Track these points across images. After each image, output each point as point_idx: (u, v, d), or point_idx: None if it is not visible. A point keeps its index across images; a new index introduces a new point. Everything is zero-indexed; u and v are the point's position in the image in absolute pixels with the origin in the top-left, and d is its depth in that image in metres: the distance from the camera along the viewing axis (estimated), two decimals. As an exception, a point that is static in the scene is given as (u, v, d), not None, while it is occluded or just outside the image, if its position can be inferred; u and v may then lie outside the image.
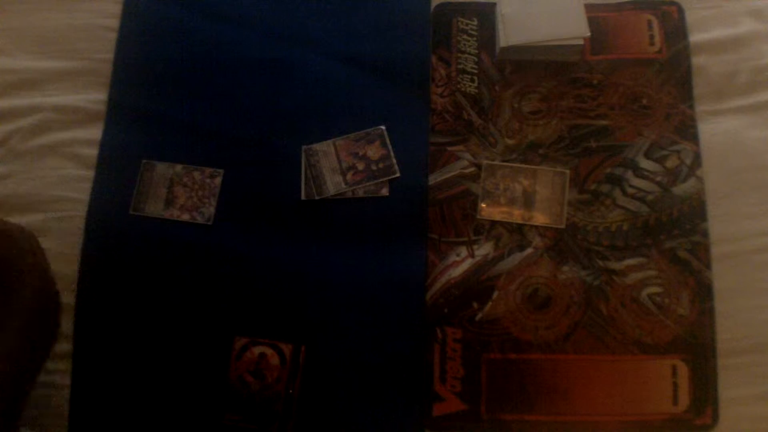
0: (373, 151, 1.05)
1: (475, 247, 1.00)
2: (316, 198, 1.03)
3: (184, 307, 0.99)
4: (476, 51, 1.11)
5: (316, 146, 1.06)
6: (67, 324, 0.98)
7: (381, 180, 1.03)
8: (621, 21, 1.10)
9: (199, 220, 1.03)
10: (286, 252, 1.01)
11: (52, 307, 0.85)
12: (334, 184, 1.04)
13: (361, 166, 1.04)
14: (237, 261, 1.01)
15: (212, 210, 1.03)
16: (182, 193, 1.04)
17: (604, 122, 1.05)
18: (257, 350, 0.96)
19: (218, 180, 1.05)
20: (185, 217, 1.03)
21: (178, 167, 1.06)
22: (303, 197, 1.03)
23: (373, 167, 1.04)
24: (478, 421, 0.94)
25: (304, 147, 1.06)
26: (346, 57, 1.11)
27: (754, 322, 0.95)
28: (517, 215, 1.01)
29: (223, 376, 0.96)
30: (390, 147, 1.05)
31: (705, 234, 0.99)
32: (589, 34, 1.06)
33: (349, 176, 1.04)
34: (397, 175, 1.03)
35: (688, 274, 0.98)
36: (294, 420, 0.94)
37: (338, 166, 1.04)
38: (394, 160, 1.04)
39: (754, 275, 0.97)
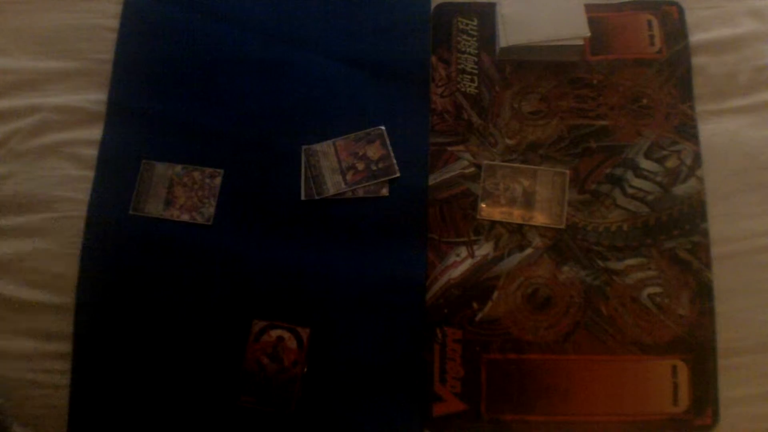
0: (373, 151, 1.05)
1: (475, 247, 1.00)
2: (316, 198, 1.03)
3: (183, 307, 0.99)
4: (476, 51, 1.11)
5: (316, 146, 1.06)
6: (67, 324, 0.98)
7: (381, 180, 1.03)
8: (621, 21, 1.10)
9: (199, 220, 1.03)
10: (285, 252, 1.01)
11: None
12: (333, 184, 1.04)
13: (361, 166, 1.04)
14: (236, 261, 1.01)
15: (212, 210, 1.03)
16: (182, 193, 1.04)
17: (604, 122, 1.05)
18: (275, 333, 0.96)
19: (218, 180, 1.05)
20: (185, 217, 1.03)
21: (178, 167, 1.05)
22: (303, 197, 1.03)
23: (373, 167, 1.04)
24: (478, 421, 0.94)
25: (304, 147, 1.06)
26: (346, 57, 1.11)
27: (754, 322, 0.95)
28: (517, 215, 1.01)
29: (236, 365, 0.96)
30: (389, 147, 1.05)
31: (705, 234, 0.99)
32: (589, 34, 1.06)
33: (349, 176, 1.04)
34: (397, 175, 1.03)
35: (688, 274, 0.97)
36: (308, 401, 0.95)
37: (338, 166, 1.04)
38: (394, 160, 1.04)
39: (754, 275, 0.97)
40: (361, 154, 1.05)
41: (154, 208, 1.04)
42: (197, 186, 1.04)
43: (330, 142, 1.06)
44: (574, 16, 1.07)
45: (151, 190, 1.04)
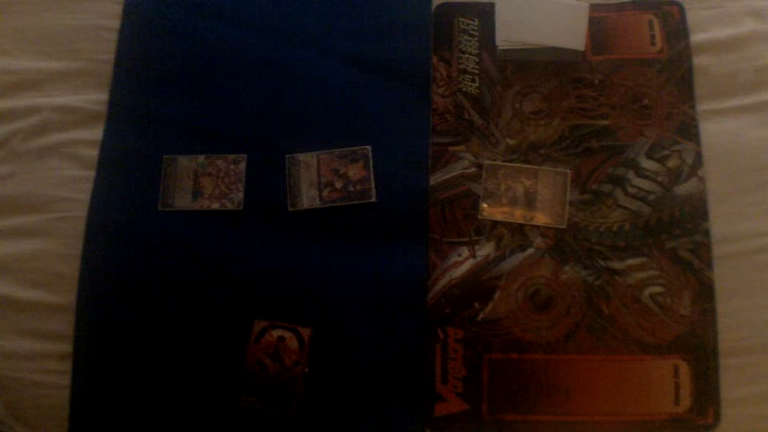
0: (354, 172, 1.04)
1: (476, 247, 1.00)
2: (290, 210, 1.02)
3: (184, 308, 0.99)
4: (477, 51, 1.11)
5: (299, 156, 1.05)
6: (67, 324, 0.98)
7: (354, 203, 1.02)
8: (622, 21, 1.10)
9: (230, 206, 1.03)
10: (285, 252, 1.01)
11: None
12: (308, 198, 1.03)
13: (339, 185, 1.03)
14: (237, 261, 1.01)
15: (241, 195, 1.03)
16: (209, 182, 1.04)
17: (605, 122, 1.05)
18: (276, 333, 0.96)
19: (242, 165, 1.05)
20: (215, 205, 1.03)
21: (201, 158, 1.06)
22: (289, 208, 1.03)
23: (351, 188, 1.03)
24: (480, 421, 0.94)
25: (287, 155, 1.05)
26: (346, 57, 1.11)
27: (756, 321, 0.95)
28: (518, 215, 1.01)
29: (236, 365, 0.96)
30: (372, 169, 1.04)
31: (706, 234, 0.99)
32: (583, 49, 1.06)
33: (325, 193, 1.03)
34: (373, 200, 1.03)
35: (690, 274, 0.97)
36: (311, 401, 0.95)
37: (317, 180, 1.04)
38: (373, 184, 1.03)
39: (756, 275, 0.97)
40: (341, 172, 1.04)
41: (182, 201, 1.04)
42: (222, 174, 1.05)
43: (314, 153, 1.05)
44: (574, 27, 1.06)
45: (177, 184, 1.04)
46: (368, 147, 1.05)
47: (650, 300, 0.97)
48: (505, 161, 1.04)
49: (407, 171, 1.04)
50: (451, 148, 1.06)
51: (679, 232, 0.99)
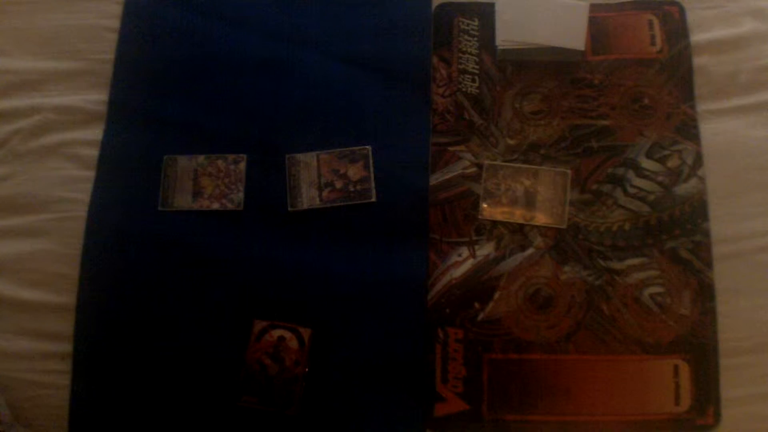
0: (354, 172, 1.04)
1: (476, 247, 1.00)
2: (290, 210, 1.02)
3: (184, 308, 0.99)
4: (477, 51, 1.11)
5: (300, 156, 1.05)
6: (67, 324, 0.98)
7: (354, 203, 1.02)
8: (622, 21, 1.10)
9: (230, 206, 1.03)
10: (285, 252, 1.01)
11: None
12: (308, 198, 1.03)
13: (339, 185, 1.03)
14: (237, 261, 1.01)
15: (241, 195, 1.03)
16: (209, 182, 1.04)
17: (605, 122, 1.05)
18: (276, 333, 0.96)
19: (242, 165, 1.05)
20: (215, 205, 1.03)
21: (201, 158, 1.06)
22: (289, 208, 1.03)
23: (351, 188, 1.03)
24: (480, 421, 0.94)
25: (287, 155, 1.05)
26: (346, 57, 1.11)
27: (756, 321, 0.95)
28: (518, 215, 1.01)
29: (236, 365, 0.96)
30: (372, 169, 1.04)
31: (707, 234, 0.99)
32: (583, 48, 1.06)
33: (325, 193, 1.03)
34: (373, 200, 1.03)
35: (690, 274, 0.97)
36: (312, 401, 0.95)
37: (317, 180, 1.04)
38: (373, 184, 1.03)
39: (756, 275, 0.97)
40: (341, 172, 1.04)
41: (182, 201, 1.04)
42: (222, 174, 1.05)
43: (314, 153, 1.05)
44: (574, 27, 1.07)
45: (177, 184, 1.04)
46: (368, 147, 1.05)
47: (650, 300, 0.97)
48: (505, 161, 1.04)
49: (407, 171, 1.04)
50: (451, 148, 1.06)
51: (679, 232, 0.99)
